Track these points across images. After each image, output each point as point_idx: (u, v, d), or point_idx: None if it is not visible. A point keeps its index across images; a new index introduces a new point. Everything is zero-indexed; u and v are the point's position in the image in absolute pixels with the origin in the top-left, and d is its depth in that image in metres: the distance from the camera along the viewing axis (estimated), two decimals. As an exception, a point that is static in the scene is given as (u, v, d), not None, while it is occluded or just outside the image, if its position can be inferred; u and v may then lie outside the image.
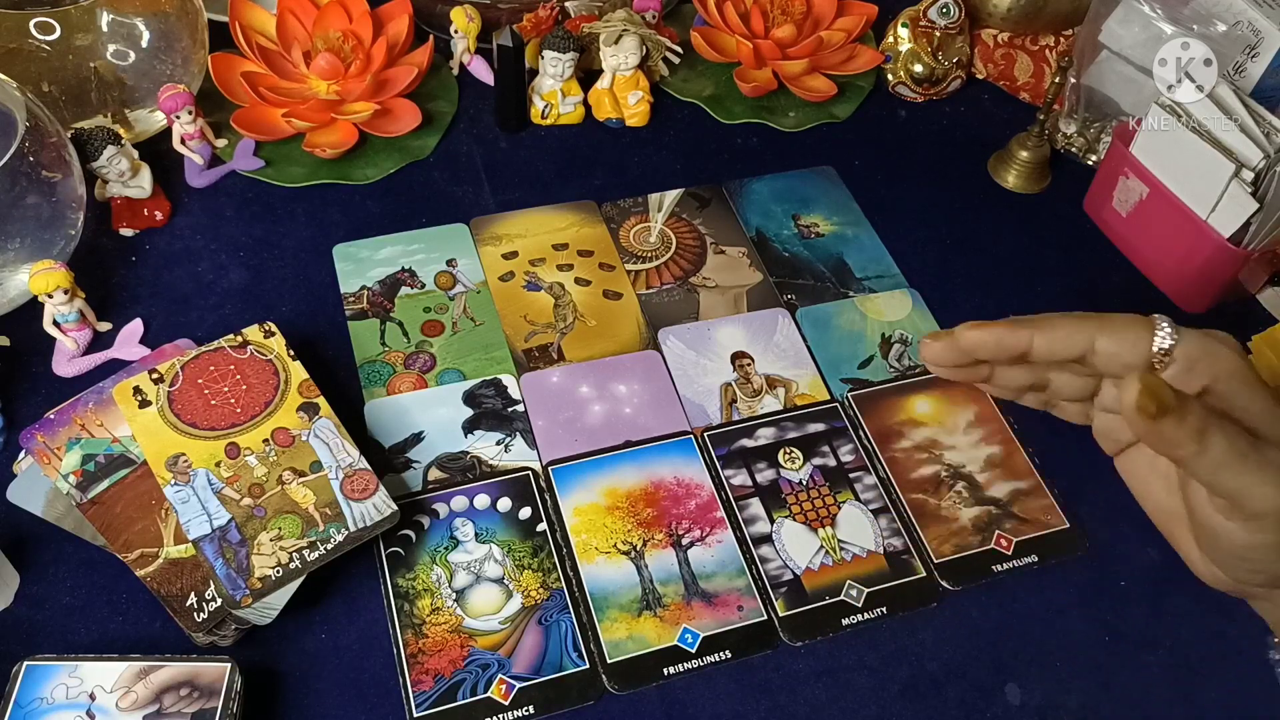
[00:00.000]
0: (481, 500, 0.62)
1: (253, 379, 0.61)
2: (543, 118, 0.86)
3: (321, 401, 0.61)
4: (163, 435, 0.58)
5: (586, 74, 0.87)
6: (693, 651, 0.57)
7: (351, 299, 0.73)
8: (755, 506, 0.63)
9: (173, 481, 0.57)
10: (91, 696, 0.50)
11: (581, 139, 0.86)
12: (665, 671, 0.57)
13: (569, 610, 0.58)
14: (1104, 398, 0.47)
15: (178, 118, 0.77)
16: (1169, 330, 0.43)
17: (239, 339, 0.63)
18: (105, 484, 0.57)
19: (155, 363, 0.62)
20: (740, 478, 0.64)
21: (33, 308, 0.67)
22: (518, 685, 0.55)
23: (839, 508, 0.63)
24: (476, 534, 0.61)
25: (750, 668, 0.57)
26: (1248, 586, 0.43)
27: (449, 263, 0.75)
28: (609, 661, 0.56)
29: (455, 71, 0.90)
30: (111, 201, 0.75)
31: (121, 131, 0.75)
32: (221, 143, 0.81)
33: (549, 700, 0.55)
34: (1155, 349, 0.43)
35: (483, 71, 0.89)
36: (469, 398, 0.67)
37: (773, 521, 0.62)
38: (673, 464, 0.65)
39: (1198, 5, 0.76)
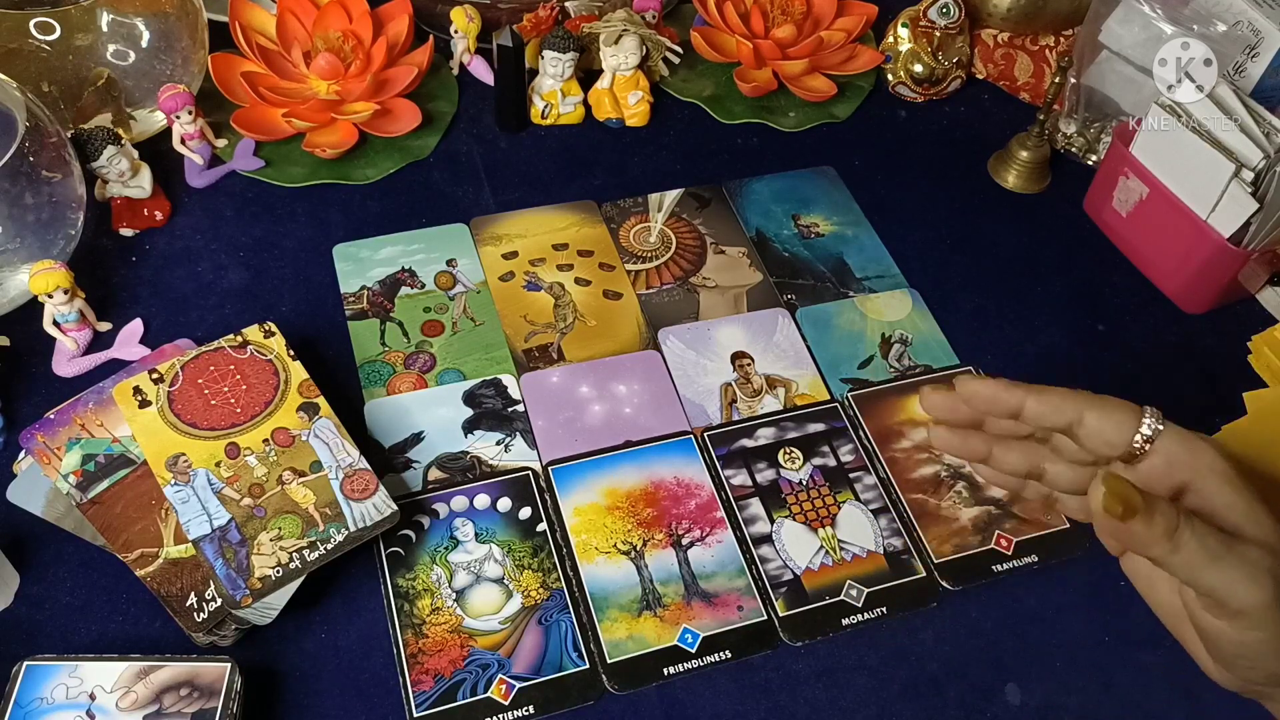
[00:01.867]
0: (481, 500, 0.62)
1: (253, 379, 0.61)
2: (543, 118, 0.86)
3: (321, 401, 0.61)
4: (163, 435, 0.58)
5: (586, 74, 0.87)
6: (693, 651, 0.57)
7: (351, 299, 0.73)
8: (755, 506, 0.63)
9: (173, 481, 0.57)
10: (91, 696, 0.50)
11: (581, 139, 0.86)
12: (665, 671, 0.57)
13: (569, 610, 0.58)
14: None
15: (178, 118, 0.77)
16: (1154, 420, 0.45)
17: (239, 339, 0.63)
18: (105, 484, 0.57)
19: (155, 363, 0.62)
20: (740, 478, 0.64)
21: (33, 308, 0.67)
22: (518, 685, 0.55)
23: (839, 508, 0.63)
24: (476, 534, 0.61)
25: (750, 668, 0.57)
26: (1253, 685, 0.43)
27: (449, 263, 0.75)
28: (609, 661, 0.57)
29: (455, 71, 0.90)
30: (111, 201, 0.75)
31: (121, 131, 0.75)
32: (221, 143, 0.81)
33: (549, 700, 0.55)
34: (1139, 434, 0.45)
35: (483, 71, 0.89)
36: (469, 398, 0.67)
37: (773, 521, 0.62)
38: (673, 464, 0.65)
39: (1198, 5, 0.76)
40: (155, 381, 0.60)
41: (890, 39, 0.91)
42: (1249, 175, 0.68)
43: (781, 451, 0.66)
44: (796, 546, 0.61)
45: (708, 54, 0.87)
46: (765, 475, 0.65)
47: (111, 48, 0.75)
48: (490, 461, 0.65)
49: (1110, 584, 0.62)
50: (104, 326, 0.70)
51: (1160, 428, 0.45)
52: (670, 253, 0.77)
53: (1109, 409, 0.45)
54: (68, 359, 0.67)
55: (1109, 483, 0.42)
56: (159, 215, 0.76)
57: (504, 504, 0.62)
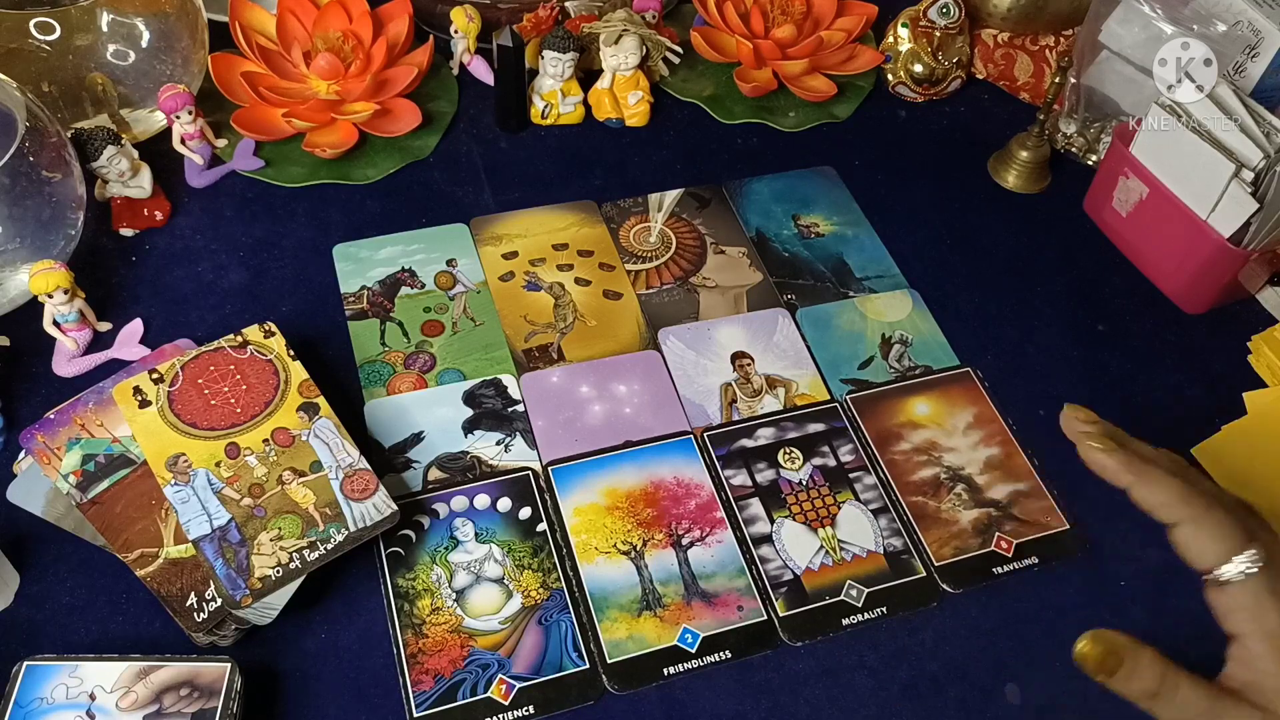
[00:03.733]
0: (481, 500, 0.62)
1: (253, 379, 0.61)
2: (543, 118, 0.86)
3: (321, 401, 0.61)
4: (163, 435, 0.58)
5: (586, 74, 0.87)
6: (693, 651, 0.57)
7: (351, 299, 0.73)
8: (755, 506, 0.63)
9: (173, 481, 0.57)
10: (91, 696, 0.50)
11: (581, 139, 0.86)
12: (665, 671, 0.57)
13: (569, 610, 0.58)
14: None
15: (178, 118, 0.77)
16: (1248, 563, 0.43)
17: (239, 339, 0.63)
18: (105, 484, 0.57)
19: (155, 363, 0.62)
20: (740, 478, 0.64)
21: (33, 308, 0.67)
22: (518, 685, 0.55)
23: (839, 508, 0.63)
24: (476, 534, 0.61)
25: (750, 668, 0.57)
26: None
27: (449, 263, 0.75)
28: (609, 661, 0.57)
29: (455, 71, 0.89)
30: (111, 201, 0.75)
31: (120, 129, 0.75)
32: (221, 143, 0.81)
33: (549, 700, 0.55)
34: (1231, 571, 0.44)
35: (483, 71, 0.89)
36: (469, 398, 0.67)
37: (773, 521, 0.62)
38: (673, 464, 0.65)
39: (1198, 5, 0.76)
40: (155, 381, 0.60)
41: (890, 39, 0.91)
42: (1249, 175, 0.68)
43: (781, 451, 0.66)
44: (796, 546, 0.61)
45: (708, 54, 0.87)
46: (765, 475, 0.65)
47: (111, 48, 0.75)
48: (490, 461, 0.65)
49: (1110, 585, 0.62)
50: (104, 326, 0.70)
51: (1252, 572, 0.43)
52: (670, 253, 0.77)
53: (1208, 533, 0.44)
54: (68, 359, 0.67)
55: (1094, 636, 0.44)
56: (159, 215, 0.76)
57: (504, 504, 0.62)
